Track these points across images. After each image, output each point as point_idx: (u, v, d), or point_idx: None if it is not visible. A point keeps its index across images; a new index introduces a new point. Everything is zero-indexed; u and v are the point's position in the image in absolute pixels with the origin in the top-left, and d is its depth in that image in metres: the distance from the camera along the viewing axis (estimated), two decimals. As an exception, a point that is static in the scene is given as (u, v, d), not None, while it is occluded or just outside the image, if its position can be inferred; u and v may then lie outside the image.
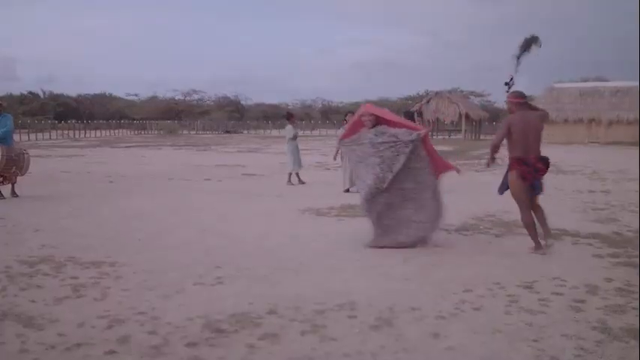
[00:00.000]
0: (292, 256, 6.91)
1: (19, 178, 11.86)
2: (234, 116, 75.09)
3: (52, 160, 23.14)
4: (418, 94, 72.17)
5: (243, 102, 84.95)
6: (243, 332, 4.43)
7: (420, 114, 44.72)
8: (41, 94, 75.75)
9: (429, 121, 47.46)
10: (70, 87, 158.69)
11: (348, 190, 13.06)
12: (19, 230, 8.37)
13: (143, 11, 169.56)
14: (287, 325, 4.59)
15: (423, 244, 7.34)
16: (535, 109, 7.40)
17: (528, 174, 6.94)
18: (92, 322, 4.65)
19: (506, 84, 8.21)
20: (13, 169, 11.54)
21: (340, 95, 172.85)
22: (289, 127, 15.30)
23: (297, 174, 15.00)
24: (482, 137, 46.84)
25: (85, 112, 71.12)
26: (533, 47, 8.34)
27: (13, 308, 4.97)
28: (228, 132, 62.87)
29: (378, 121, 7.60)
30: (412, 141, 7.28)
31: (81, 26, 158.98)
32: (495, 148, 7.16)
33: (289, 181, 14.66)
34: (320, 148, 30.14)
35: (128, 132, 59.53)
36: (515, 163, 6.99)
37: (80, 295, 5.37)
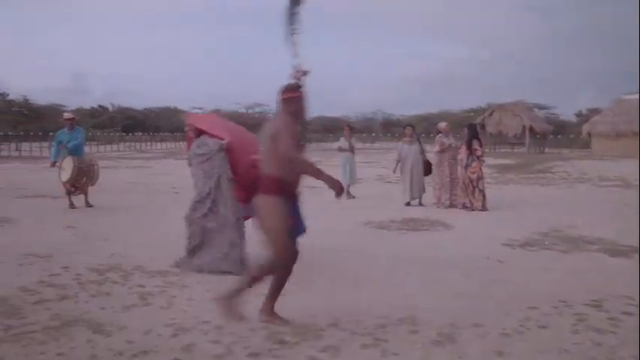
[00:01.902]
0: (353, 269, 6.92)
1: (89, 189, 12.28)
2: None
3: (119, 171, 23.85)
4: (480, 106, 71.15)
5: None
6: (305, 344, 4.46)
7: (483, 127, 44.11)
8: (110, 108, 78.29)
9: (491, 134, 46.74)
10: (137, 100, 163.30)
11: (409, 204, 13.00)
12: (89, 239, 8.66)
13: (207, 27, 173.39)
14: (348, 338, 4.60)
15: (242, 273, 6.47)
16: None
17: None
18: (158, 329, 4.77)
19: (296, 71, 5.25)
20: (84, 179, 11.97)
21: (401, 108, 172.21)
22: (341, 138, 15.33)
23: (347, 187, 14.81)
24: (546, 151, 45.78)
25: (151, 124, 73.00)
26: (300, 7, 5.30)
27: (83, 314, 5.14)
28: (289, 144, 63.26)
29: (199, 131, 7.04)
30: (218, 151, 6.75)
31: (148, 41, 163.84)
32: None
33: (348, 194, 14.51)
34: (380, 161, 30.05)
35: (192, 144, 60.65)
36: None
37: (147, 303, 5.52)
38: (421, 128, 47.38)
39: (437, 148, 13.11)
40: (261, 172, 4.86)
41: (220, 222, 6.74)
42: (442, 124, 13.78)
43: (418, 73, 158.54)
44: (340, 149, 15.06)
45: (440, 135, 13.25)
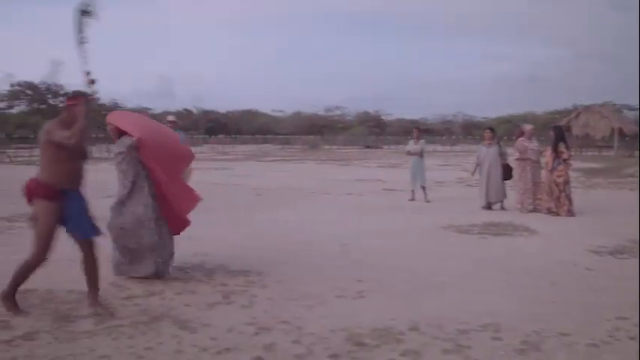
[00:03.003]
0: (434, 273, 6.84)
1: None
2: (374, 131, 75.61)
3: (203, 172, 24.46)
4: (566, 108, 68.91)
5: (383, 117, 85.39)
6: (385, 347, 4.45)
7: (569, 129, 42.64)
8: (194, 111, 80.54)
9: (577, 136, 45.13)
10: (219, 103, 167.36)
11: (488, 207, 12.73)
12: (174, 238, 8.90)
13: (288, 31, 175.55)
14: (429, 342, 4.55)
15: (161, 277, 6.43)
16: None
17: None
18: (240, 328, 4.87)
19: (87, 80, 5.53)
20: None
21: (483, 110, 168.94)
22: (410, 141, 15.16)
23: (413, 191, 14.57)
24: (636, 154, 43.78)
25: (234, 127, 74.63)
26: (88, 17, 5.59)
27: (169, 311, 5.31)
28: (368, 147, 63.37)
29: (119, 130, 6.46)
30: (129, 149, 6.27)
31: (232, 45, 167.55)
32: None
33: (425, 198, 14.36)
34: (461, 164, 29.56)
35: (273, 146, 61.65)
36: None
37: (229, 301, 5.64)
38: (503, 130, 46.33)
39: (517, 153, 12.79)
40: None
41: (139, 223, 6.32)
42: (527, 127, 13.42)
43: (500, 74, 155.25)
44: (409, 153, 14.91)
45: (521, 138, 12.89)
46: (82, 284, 6.05)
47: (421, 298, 5.80)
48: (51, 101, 60.07)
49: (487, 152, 13.13)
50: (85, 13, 5.64)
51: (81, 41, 5.62)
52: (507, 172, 12.95)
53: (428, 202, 14.03)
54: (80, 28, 5.64)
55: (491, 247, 8.43)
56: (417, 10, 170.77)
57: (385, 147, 64.41)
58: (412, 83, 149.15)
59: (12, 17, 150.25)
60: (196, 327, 4.88)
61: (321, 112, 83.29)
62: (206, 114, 79.50)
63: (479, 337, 4.67)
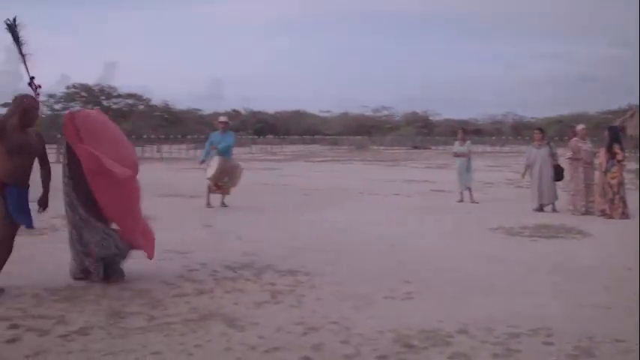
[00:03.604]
0: (483, 275, 6.76)
1: (231, 190, 12.85)
2: (422, 132, 75.03)
3: (252, 172, 24.70)
4: (620, 108, 67.03)
5: (431, 118, 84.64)
6: (433, 350, 4.42)
7: (623, 129, 41.54)
8: (243, 112, 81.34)
9: (631, 136, 43.91)
10: (268, 104, 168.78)
11: (540, 209, 12.50)
12: (223, 237, 9.06)
13: (336, 32, 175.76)
14: (478, 346, 4.50)
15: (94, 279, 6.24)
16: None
17: None
18: (288, 327, 4.90)
19: (33, 85, 6.06)
20: (226, 178, 12.55)
21: (533, 110, 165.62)
22: (456, 143, 15.00)
23: (462, 192, 14.37)
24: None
25: (282, 127, 75.06)
26: (17, 30, 6.06)
27: (219, 309, 5.39)
28: (416, 147, 62.89)
29: (73, 131, 6.23)
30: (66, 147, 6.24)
31: (279, 47, 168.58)
32: None
33: (471, 199, 14.19)
34: (510, 165, 29.07)
35: (320, 147, 61.77)
36: None
37: (278, 301, 5.69)
38: (553, 131, 45.38)
39: (569, 153, 12.53)
40: None
41: (83, 224, 6.24)
42: (580, 127, 13.14)
43: (551, 73, 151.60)
44: (456, 154, 14.75)
45: (575, 139, 12.62)
46: (135, 282, 6.21)
47: (470, 300, 5.74)
48: (104, 102, 61.58)
49: (537, 153, 12.89)
50: (11, 27, 6.11)
51: (23, 53, 6.13)
52: (559, 173, 12.70)
53: (476, 203, 13.86)
54: (19, 43, 6.13)
55: (542, 250, 8.28)
56: (465, 9, 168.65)
57: (433, 147, 63.87)
58: (461, 83, 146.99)
59: (68, 21, 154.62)
60: (245, 325, 4.94)
61: (369, 113, 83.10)
62: (254, 115, 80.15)
63: (529, 342, 4.60)
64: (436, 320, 5.08)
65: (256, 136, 61.24)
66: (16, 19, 6.09)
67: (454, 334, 4.74)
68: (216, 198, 12.71)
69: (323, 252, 7.97)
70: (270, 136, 60.65)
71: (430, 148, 62.26)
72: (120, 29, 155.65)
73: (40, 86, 6.04)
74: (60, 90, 63.65)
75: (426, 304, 5.62)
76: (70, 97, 62.88)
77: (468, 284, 6.35)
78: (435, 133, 75.46)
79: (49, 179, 5.98)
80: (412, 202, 14.21)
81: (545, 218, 11.40)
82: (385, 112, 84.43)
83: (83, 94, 63.92)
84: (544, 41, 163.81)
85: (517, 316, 5.20)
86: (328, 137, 67.56)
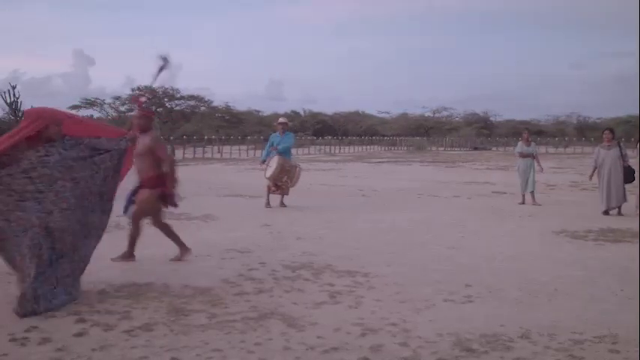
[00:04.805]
0: (546, 280, 6.61)
1: (289, 190, 12.96)
2: (482, 133, 73.89)
3: (310, 173, 24.84)
4: (694, 107, 64.40)
5: (492, 118, 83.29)
6: (494, 354, 4.35)
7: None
8: (302, 113, 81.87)
9: None
10: (326, 106, 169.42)
11: (607, 212, 12.13)
12: (283, 237, 9.14)
13: (395, 34, 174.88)
14: (541, 351, 4.41)
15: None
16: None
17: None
18: (347, 328, 4.91)
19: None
20: (285, 178, 12.67)
21: (598, 110, 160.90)
22: (519, 143, 14.71)
23: (523, 194, 14.12)
24: None
25: (340, 128, 75.20)
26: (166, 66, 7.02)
27: (278, 308, 5.44)
28: (475, 148, 61.97)
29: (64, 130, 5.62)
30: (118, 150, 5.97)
31: (338, 49, 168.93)
32: None
33: (534, 201, 13.88)
34: (575, 167, 28.34)
35: (379, 148, 61.57)
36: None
37: (336, 301, 5.71)
38: (620, 132, 43.94)
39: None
40: None
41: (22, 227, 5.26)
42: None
43: (618, 72, 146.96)
44: (522, 154, 14.46)
45: (646, 139, 12.21)
46: (196, 280, 6.34)
47: (532, 305, 5.62)
48: (167, 104, 62.90)
49: (607, 154, 12.51)
50: (164, 64, 7.00)
51: (154, 82, 7.19)
52: (629, 175, 12.30)
53: (538, 205, 13.56)
54: (157, 74, 7.06)
55: (608, 255, 8.04)
56: (529, 6, 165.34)
57: (493, 149, 62.79)
58: (523, 84, 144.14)
59: (133, 25, 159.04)
60: (304, 325, 4.97)
61: (429, 114, 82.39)
62: (314, 116, 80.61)
63: (594, 349, 4.48)
64: (497, 324, 4.99)
65: (315, 137, 61.53)
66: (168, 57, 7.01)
67: (516, 339, 4.65)
68: (275, 198, 12.83)
69: (382, 253, 7.95)
70: (329, 137, 60.80)
71: (490, 149, 61.23)
72: (184, 33, 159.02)
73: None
74: (125, 92, 65.43)
75: (487, 307, 5.53)
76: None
77: (530, 288, 6.22)
78: (496, 134, 74.19)
79: None
80: (473, 204, 14.02)
81: (612, 222, 11.06)
82: (445, 113, 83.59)
83: (147, 96, 65.46)
84: (610, 39, 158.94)
85: (581, 322, 5.07)
86: (387, 138, 67.33)
